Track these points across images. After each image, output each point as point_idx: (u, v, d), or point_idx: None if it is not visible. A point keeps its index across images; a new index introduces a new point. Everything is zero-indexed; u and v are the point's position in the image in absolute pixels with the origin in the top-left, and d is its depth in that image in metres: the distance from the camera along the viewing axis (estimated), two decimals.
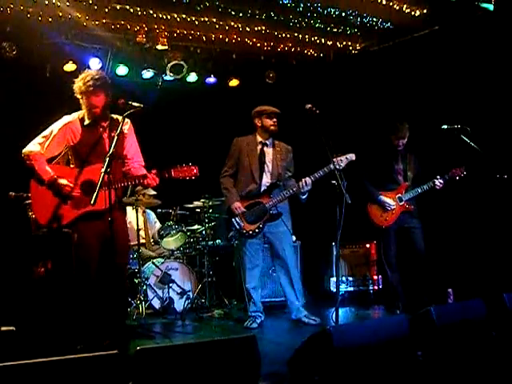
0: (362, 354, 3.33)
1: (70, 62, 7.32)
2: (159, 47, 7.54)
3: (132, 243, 6.83)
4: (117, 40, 7.42)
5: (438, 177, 6.41)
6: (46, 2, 6.44)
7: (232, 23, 7.41)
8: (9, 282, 5.98)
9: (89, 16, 6.83)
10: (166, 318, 6.67)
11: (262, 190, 6.11)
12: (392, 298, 6.63)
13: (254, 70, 8.51)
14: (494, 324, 4.04)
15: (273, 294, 7.13)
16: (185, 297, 6.87)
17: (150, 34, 7.41)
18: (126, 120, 4.96)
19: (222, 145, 7.90)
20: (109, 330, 4.71)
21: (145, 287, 6.67)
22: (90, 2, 6.59)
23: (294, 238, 7.47)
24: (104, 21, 6.99)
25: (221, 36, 7.65)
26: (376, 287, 7.68)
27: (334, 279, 7.60)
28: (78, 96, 4.83)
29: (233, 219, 6.06)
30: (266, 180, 6.15)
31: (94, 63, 7.41)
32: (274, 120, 6.14)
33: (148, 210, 7.71)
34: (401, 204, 6.53)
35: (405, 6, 7.15)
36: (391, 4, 7.08)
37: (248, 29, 7.56)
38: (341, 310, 6.59)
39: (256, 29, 7.60)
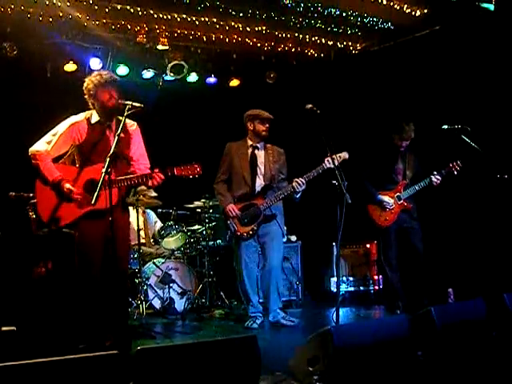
0: (362, 353, 3.33)
1: (71, 62, 7.33)
2: (160, 47, 7.54)
3: (132, 243, 6.85)
4: (117, 40, 7.42)
5: (435, 173, 6.42)
6: (47, 2, 6.44)
7: (232, 23, 7.41)
8: (9, 282, 5.99)
9: (89, 16, 6.83)
10: (167, 317, 6.67)
11: (256, 192, 6.13)
12: (392, 298, 6.63)
13: (254, 70, 8.50)
14: (494, 324, 4.04)
15: None
16: (185, 297, 6.87)
17: (151, 34, 7.40)
18: (133, 122, 5.01)
19: (222, 145, 7.90)
20: (110, 330, 4.71)
21: (145, 287, 6.68)
22: (91, 2, 6.58)
23: (294, 237, 7.51)
24: (104, 21, 7.00)
25: (221, 36, 7.65)
26: (376, 287, 7.68)
27: (334, 279, 7.60)
28: (91, 92, 4.82)
29: (228, 222, 6.09)
30: (260, 182, 6.16)
31: (95, 63, 7.41)
32: (267, 126, 6.17)
33: (148, 210, 7.71)
34: (399, 203, 6.54)
35: (405, 5, 7.14)
36: (392, 4, 7.07)
37: (248, 29, 7.56)
38: (341, 310, 6.59)
39: (256, 29, 7.60)
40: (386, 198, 6.54)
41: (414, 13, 7.25)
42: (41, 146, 4.79)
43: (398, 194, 6.55)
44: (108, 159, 4.28)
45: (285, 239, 6.85)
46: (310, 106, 5.29)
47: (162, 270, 6.81)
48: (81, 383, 2.55)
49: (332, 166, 5.56)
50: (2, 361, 2.42)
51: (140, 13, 6.94)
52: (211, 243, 7.40)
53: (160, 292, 6.80)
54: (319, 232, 7.82)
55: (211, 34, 7.61)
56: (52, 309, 5.74)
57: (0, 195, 6.19)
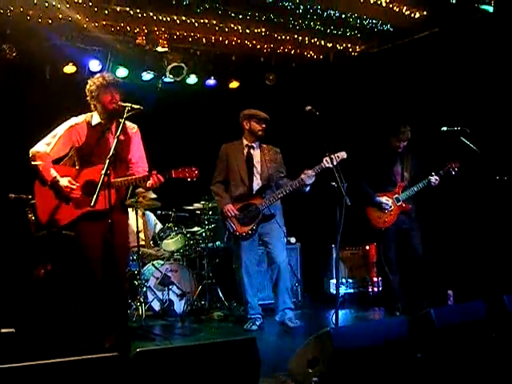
0: (361, 355, 3.33)
1: (70, 63, 7.33)
2: (159, 49, 7.54)
3: (131, 245, 6.84)
4: (117, 42, 7.42)
5: (433, 173, 6.42)
6: (46, 4, 6.44)
7: (232, 25, 7.41)
8: (9, 284, 5.98)
9: (89, 18, 6.83)
10: (166, 319, 6.67)
11: (254, 191, 6.12)
12: (392, 300, 6.62)
13: (253, 72, 8.50)
14: (493, 326, 4.03)
15: (272, 296, 7.11)
16: (184, 299, 6.87)
17: (150, 36, 7.40)
18: (133, 125, 5.03)
19: (221, 147, 7.91)
20: (110, 332, 4.71)
21: (144, 289, 6.67)
22: (90, 3, 6.58)
23: (293, 239, 7.51)
24: (104, 23, 7.00)
25: (221, 38, 7.65)
26: (376, 289, 7.69)
27: (333, 281, 7.61)
28: (93, 94, 4.83)
29: (226, 222, 6.08)
30: (257, 182, 6.16)
31: (94, 65, 7.42)
32: (263, 126, 6.17)
33: (147, 212, 7.71)
34: (398, 204, 6.54)
35: (404, 8, 7.14)
36: (391, 6, 7.07)
37: (248, 31, 7.56)
38: (341, 312, 6.59)
39: (256, 31, 7.60)
40: (384, 200, 6.54)
41: (413, 15, 7.25)
42: (41, 147, 4.80)
43: (396, 195, 6.56)
44: (107, 161, 4.28)
45: (285, 240, 6.83)
46: (309, 107, 5.29)
47: (161, 272, 6.80)
48: None
49: (330, 165, 5.56)
50: (1, 363, 2.41)
51: (139, 15, 6.94)
52: (210, 245, 7.39)
53: (159, 294, 6.79)
54: (318, 234, 7.82)
55: (210, 35, 7.61)
56: (51, 311, 5.73)
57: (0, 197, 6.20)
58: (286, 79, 8.53)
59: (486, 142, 5.95)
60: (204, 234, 7.30)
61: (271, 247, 6.14)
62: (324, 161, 5.70)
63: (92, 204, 4.17)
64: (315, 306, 7.16)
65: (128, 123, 4.96)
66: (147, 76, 7.90)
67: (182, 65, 7.87)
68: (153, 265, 6.91)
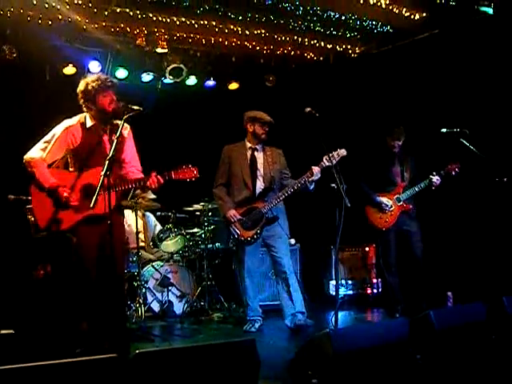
0: (361, 357, 3.32)
1: (70, 64, 7.33)
2: (159, 50, 7.54)
3: (131, 246, 6.84)
4: (116, 43, 7.43)
5: (434, 173, 6.41)
6: (46, 5, 6.45)
7: (231, 26, 7.42)
8: (8, 285, 5.98)
9: (89, 19, 6.84)
10: (166, 321, 6.66)
11: (257, 195, 6.05)
12: (391, 302, 6.62)
13: (253, 74, 8.51)
14: (493, 327, 4.03)
15: (272, 298, 7.12)
16: (184, 300, 6.87)
17: (150, 37, 7.41)
18: (126, 125, 4.96)
19: (221, 148, 7.89)
20: (108, 333, 4.70)
21: (144, 290, 6.67)
22: (90, 5, 6.59)
23: (293, 241, 7.49)
24: (104, 24, 7.00)
25: (220, 39, 7.66)
26: (375, 290, 7.69)
27: (333, 282, 7.61)
28: (89, 96, 4.80)
29: (230, 227, 6.00)
30: (260, 185, 6.08)
31: (94, 66, 7.41)
32: (266, 129, 6.09)
33: (147, 213, 7.70)
34: (399, 204, 6.54)
35: (404, 9, 7.16)
36: (391, 7, 7.08)
37: (247, 32, 7.57)
38: (340, 314, 6.58)
39: (255, 32, 7.61)
40: (384, 200, 6.54)
41: (412, 16, 7.26)
42: (35, 153, 4.75)
43: (397, 195, 6.56)
44: (107, 162, 4.26)
45: (293, 241, 6.82)
46: (308, 109, 5.29)
47: (160, 273, 6.80)
48: None
49: (330, 164, 5.56)
50: (0, 364, 2.41)
51: (139, 16, 6.95)
52: (210, 246, 7.39)
53: (159, 295, 6.79)
54: (318, 235, 7.83)
55: (210, 37, 7.62)
56: (50, 312, 5.73)
57: None
58: (285, 80, 8.54)
59: (485, 144, 5.95)
60: (203, 236, 7.30)
61: (275, 250, 6.06)
62: (324, 159, 5.63)
63: (91, 205, 4.14)
64: (315, 307, 7.14)
65: (120, 123, 4.91)
66: (147, 77, 7.90)
67: (182, 66, 7.87)
68: (152, 266, 6.91)
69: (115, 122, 4.84)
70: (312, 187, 5.87)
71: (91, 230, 4.65)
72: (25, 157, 4.76)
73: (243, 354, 3.09)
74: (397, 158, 6.65)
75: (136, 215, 6.81)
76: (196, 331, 6.25)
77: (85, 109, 4.87)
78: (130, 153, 5.02)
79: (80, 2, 6.52)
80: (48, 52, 7.14)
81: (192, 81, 8.23)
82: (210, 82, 8.41)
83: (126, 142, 4.97)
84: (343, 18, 7.35)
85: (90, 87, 4.79)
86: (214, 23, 7.31)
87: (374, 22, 7.53)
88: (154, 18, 7.06)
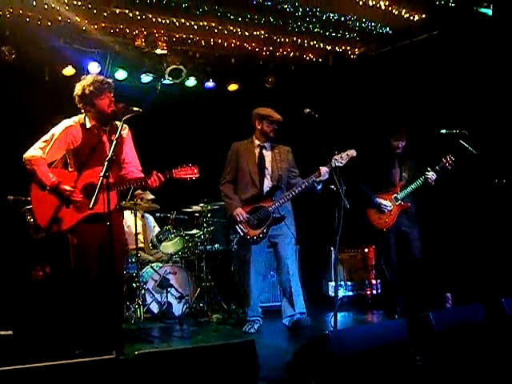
0: (360, 358, 3.32)
1: (69, 66, 7.33)
2: (158, 51, 7.55)
3: (130, 247, 6.84)
4: (116, 44, 7.43)
5: (429, 169, 6.41)
6: (46, 6, 6.45)
7: (231, 28, 7.42)
8: (7, 286, 5.98)
9: (88, 20, 6.84)
10: (165, 322, 6.66)
11: (264, 193, 5.99)
12: (390, 303, 6.62)
13: (253, 75, 8.51)
14: (492, 329, 4.03)
15: (271, 299, 7.13)
16: (183, 301, 6.86)
17: (149, 38, 7.41)
18: (125, 125, 4.97)
19: (221, 149, 7.88)
20: (105, 334, 4.69)
21: (143, 291, 6.67)
22: (89, 6, 6.59)
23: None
24: (103, 25, 7.00)
25: (220, 40, 7.66)
26: (374, 292, 7.68)
27: (332, 284, 7.60)
28: (87, 98, 4.80)
29: (236, 226, 5.94)
30: (268, 183, 6.02)
31: (93, 67, 7.41)
32: (275, 127, 6.02)
33: (146, 214, 7.71)
34: (397, 203, 6.54)
35: (404, 10, 7.16)
36: (390, 9, 7.08)
37: (247, 33, 7.57)
38: (339, 315, 6.56)
39: (255, 33, 7.61)
40: (383, 201, 6.54)
41: (412, 18, 7.27)
42: (35, 151, 4.75)
43: (395, 195, 6.56)
44: (106, 163, 4.27)
45: (294, 242, 6.78)
46: (308, 110, 5.29)
47: (159, 275, 6.80)
48: None
49: (340, 164, 5.55)
50: None
51: (138, 17, 6.95)
52: (209, 247, 7.39)
53: (158, 296, 6.79)
54: (317, 236, 7.82)
55: (210, 38, 7.62)
56: (49, 313, 5.73)
57: None
58: (285, 82, 8.54)
59: (485, 145, 5.95)
60: (203, 237, 7.29)
61: (280, 250, 6.03)
62: (333, 159, 5.58)
63: (90, 206, 4.15)
64: (314, 308, 7.14)
65: (119, 124, 4.94)
66: (146, 78, 7.90)
67: (181, 67, 7.88)
68: (151, 267, 6.91)
69: (115, 122, 4.85)
70: (319, 187, 5.83)
71: (93, 229, 4.65)
72: (24, 155, 4.76)
73: (242, 356, 3.09)
74: (397, 159, 6.66)
75: (135, 216, 6.81)
76: (195, 332, 6.25)
77: (83, 110, 4.88)
78: (130, 153, 5.03)
79: (79, 3, 6.53)
80: (47, 53, 7.14)
81: (191, 82, 8.24)
82: (210, 83, 8.41)
83: (125, 143, 4.98)
84: (342, 19, 7.35)
85: (87, 91, 4.78)
86: (213, 24, 7.31)
87: (373, 23, 7.53)
88: (154, 19, 7.06)
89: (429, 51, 7.37)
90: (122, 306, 5.96)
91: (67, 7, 6.52)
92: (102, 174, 4.23)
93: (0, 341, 4.64)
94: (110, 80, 4.95)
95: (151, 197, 7.05)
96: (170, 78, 7.94)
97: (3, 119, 6.98)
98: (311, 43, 8.02)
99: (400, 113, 7.49)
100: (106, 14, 6.79)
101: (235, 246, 7.54)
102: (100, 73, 7.44)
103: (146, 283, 6.75)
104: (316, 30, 7.63)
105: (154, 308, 6.78)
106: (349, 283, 7.69)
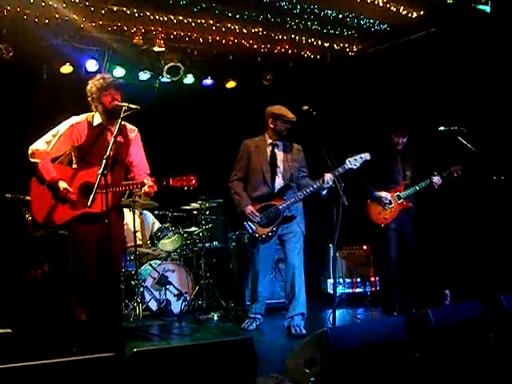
0: (359, 355, 3.32)
1: (67, 63, 7.32)
2: (156, 49, 7.53)
3: (129, 245, 6.84)
4: (114, 42, 7.41)
5: (436, 173, 6.42)
6: (43, 4, 6.43)
7: (229, 25, 7.41)
8: (5, 284, 5.98)
9: (86, 17, 6.82)
10: (163, 319, 6.66)
11: (275, 192, 5.92)
12: (389, 300, 6.63)
13: (250, 72, 8.51)
14: (491, 325, 4.04)
15: (271, 296, 7.10)
16: (182, 299, 6.86)
17: (147, 36, 7.40)
18: (133, 128, 5.04)
19: (219, 146, 7.91)
20: (105, 332, 4.70)
21: (142, 289, 6.66)
22: (87, 3, 6.57)
23: None
24: (101, 22, 6.99)
25: (218, 38, 7.64)
26: (373, 289, 7.69)
27: (331, 281, 7.61)
28: (94, 95, 4.84)
29: (245, 223, 5.89)
30: (279, 182, 5.95)
31: (91, 65, 7.41)
32: (289, 126, 5.92)
33: (145, 212, 7.70)
34: (399, 202, 6.55)
35: (402, 7, 7.15)
36: (388, 6, 7.07)
37: (245, 30, 7.56)
38: (338, 312, 6.57)
39: (253, 30, 7.59)
40: (383, 194, 6.56)
41: (410, 14, 7.26)
42: (40, 145, 4.79)
43: (397, 193, 6.57)
44: (104, 161, 4.28)
45: (302, 242, 6.75)
46: (306, 107, 5.28)
47: (158, 272, 6.80)
48: None
49: (353, 166, 5.54)
50: None
51: (136, 14, 6.93)
52: (208, 245, 7.39)
53: (156, 294, 6.79)
54: (316, 233, 7.81)
55: (207, 35, 7.60)
56: (48, 311, 5.73)
57: None
58: (282, 79, 8.53)
59: (483, 142, 5.95)
60: (201, 234, 7.29)
61: (288, 248, 5.96)
62: (347, 161, 5.57)
63: (89, 204, 4.17)
64: (312, 305, 7.15)
65: (128, 125, 5.00)
66: (144, 76, 7.89)
67: (179, 64, 7.87)
68: (150, 265, 6.90)
69: (123, 123, 4.87)
70: (324, 193, 5.76)
71: (90, 228, 4.67)
72: (30, 147, 4.80)
73: (241, 353, 3.09)
74: (399, 156, 6.67)
75: (133, 214, 6.80)
76: (194, 330, 6.26)
77: (93, 108, 4.91)
78: (138, 156, 5.04)
79: (77, 1, 6.51)
80: (45, 51, 7.13)
81: (189, 79, 8.23)
82: (208, 81, 8.41)
83: (133, 145, 5.00)
84: (340, 16, 7.35)
85: (94, 88, 4.83)
86: (211, 22, 7.30)
87: (371, 21, 7.52)
88: (151, 17, 7.05)
89: (427, 48, 7.37)
90: (120, 303, 5.97)
91: (65, 5, 6.50)
92: (99, 172, 4.25)
93: None
94: (118, 80, 5.00)
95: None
96: (168, 76, 7.93)
97: (1, 118, 6.97)
98: (309, 40, 8.01)
99: (398, 110, 7.49)
100: (103, 12, 6.77)
101: (234, 244, 7.56)
102: (98, 70, 7.44)
103: (144, 281, 6.74)
104: (314, 27, 7.62)
105: (153, 306, 6.77)
106: (347, 280, 7.69)
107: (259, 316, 6.10)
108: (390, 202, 6.54)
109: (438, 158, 6.59)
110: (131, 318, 6.37)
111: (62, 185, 4.67)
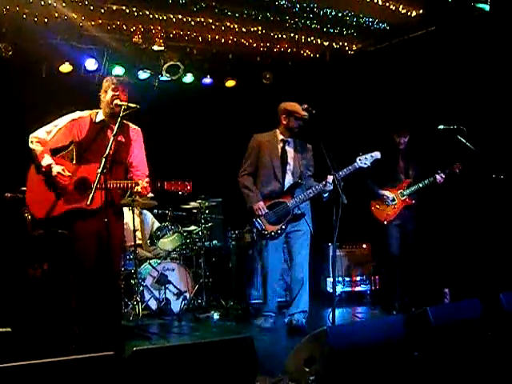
0: (358, 354, 3.33)
1: (66, 62, 7.32)
2: (155, 48, 7.54)
3: (128, 244, 6.84)
4: (113, 41, 7.42)
5: (439, 171, 6.44)
6: (42, 3, 6.43)
7: (228, 24, 7.41)
8: (5, 283, 5.97)
9: (85, 16, 6.83)
10: (163, 318, 6.66)
11: (285, 189, 5.88)
12: (389, 298, 6.64)
13: (250, 71, 8.51)
14: (490, 324, 4.04)
15: None
16: (181, 298, 6.86)
17: (146, 35, 7.40)
18: (137, 128, 5.04)
19: (218, 145, 7.91)
20: (104, 331, 4.70)
21: (141, 288, 6.66)
22: (86, 2, 6.57)
23: None
24: (100, 21, 6.99)
25: (217, 37, 7.65)
26: (373, 287, 7.69)
27: (330, 280, 7.61)
28: (103, 92, 4.85)
29: (254, 220, 5.84)
30: (289, 179, 5.90)
31: (90, 64, 7.41)
32: (301, 124, 5.83)
33: (144, 211, 7.69)
34: (402, 199, 6.58)
35: (401, 6, 7.16)
36: (387, 4, 7.08)
37: (244, 29, 7.56)
38: (337, 311, 6.57)
39: (252, 29, 7.60)
40: (386, 192, 6.59)
41: (409, 13, 7.27)
42: (41, 133, 4.79)
43: (400, 190, 6.59)
44: (103, 159, 4.28)
45: (309, 241, 6.73)
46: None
47: (157, 271, 6.79)
48: None
49: (364, 165, 5.53)
50: None
51: (135, 13, 6.94)
52: (207, 244, 7.39)
53: (156, 293, 6.78)
54: (315, 232, 7.81)
55: (207, 34, 7.61)
56: (48, 310, 5.73)
57: None
58: (282, 78, 8.53)
59: (482, 141, 5.96)
60: (201, 233, 7.29)
61: (295, 246, 5.93)
62: (357, 160, 5.56)
63: (88, 203, 4.17)
64: (312, 304, 7.16)
65: (131, 126, 5.00)
66: (143, 75, 7.90)
67: (179, 63, 7.88)
68: (149, 264, 6.90)
69: (126, 123, 4.87)
70: (326, 195, 5.72)
71: (87, 226, 4.66)
72: (31, 135, 4.80)
73: (241, 352, 3.09)
74: (401, 155, 6.69)
75: (133, 213, 6.80)
76: (194, 329, 6.25)
77: (100, 105, 4.90)
78: (138, 157, 5.02)
79: (76, 0, 6.51)
80: (44, 50, 7.14)
81: (189, 78, 8.24)
82: (207, 80, 8.41)
83: (134, 145, 4.99)
84: (340, 15, 7.35)
85: (106, 83, 4.85)
86: (210, 21, 7.30)
87: (370, 19, 7.53)
88: (151, 16, 7.05)
89: (426, 47, 7.37)
90: (120, 302, 5.97)
91: (64, 4, 6.50)
92: (99, 170, 4.24)
93: None
94: (122, 78, 4.98)
95: (150, 194, 7.03)
96: (168, 75, 7.93)
97: (0, 117, 6.97)
98: (308, 39, 8.01)
99: (397, 108, 7.49)
100: (102, 11, 6.77)
101: (233, 243, 7.55)
102: (97, 69, 7.45)
103: (144, 280, 6.74)
104: (313, 26, 7.63)
105: (153, 305, 6.77)
106: (347, 279, 7.69)
107: (272, 314, 6.03)
108: (393, 200, 6.57)
109: (438, 157, 6.59)
110: (131, 317, 6.36)
111: (57, 169, 4.65)
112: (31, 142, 4.77)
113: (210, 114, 8.51)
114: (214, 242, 7.55)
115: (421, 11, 7.27)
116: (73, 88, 7.21)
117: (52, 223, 4.81)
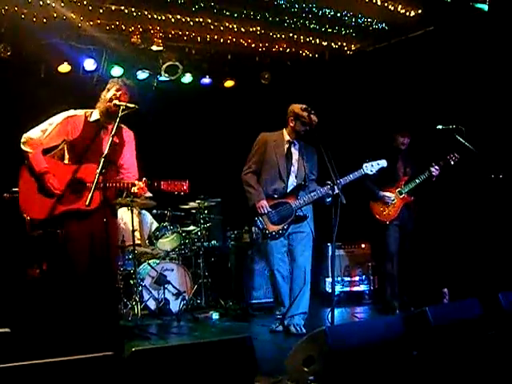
0: (357, 354, 3.33)
1: (65, 62, 7.32)
2: (154, 48, 7.53)
3: (127, 244, 6.84)
4: (112, 41, 7.41)
5: (433, 164, 6.44)
6: (41, 3, 6.42)
7: (227, 24, 7.41)
8: (4, 284, 5.97)
9: (83, 17, 6.82)
10: (162, 319, 6.66)
11: (289, 189, 5.86)
12: (388, 298, 6.64)
13: (249, 71, 8.51)
14: (489, 324, 4.04)
15: (268, 295, 7.11)
16: (180, 298, 6.86)
17: (145, 35, 7.40)
18: (130, 131, 5.02)
19: (217, 145, 7.90)
20: (102, 331, 4.69)
21: (140, 288, 6.66)
22: (85, 2, 6.57)
23: None
24: (99, 21, 6.98)
25: (216, 37, 7.64)
26: (372, 287, 7.69)
27: (329, 279, 7.60)
28: (105, 91, 4.84)
29: (256, 218, 5.80)
30: (292, 180, 5.88)
31: (89, 64, 7.41)
32: (308, 128, 5.76)
33: (143, 211, 7.69)
34: (401, 197, 6.60)
35: (399, 6, 7.16)
36: (386, 4, 7.08)
37: (243, 29, 7.56)
38: (336, 311, 6.55)
39: (251, 29, 7.60)
40: (387, 194, 6.61)
41: (408, 13, 7.27)
42: (35, 133, 4.76)
43: (399, 189, 6.60)
44: (102, 160, 4.26)
45: (311, 243, 6.71)
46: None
47: (156, 271, 6.80)
48: None
49: (370, 172, 5.53)
50: None
51: (134, 13, 6.93)
52: (206, 244, 7.40)
53: (155, 293, 6.79)
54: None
55: (206, 34, 7.60)
56: (47, 310, 5.72)
57: None
58: (281, 78, 8.53)
59: (481, 140, 5.96)
60: (200, 233, 7.30)
61: (297, 247, 5.89)
62: (364, 167, 5.57)
63: (87, 204, 4.15)
64: (311, 304, 7.15)
65: (125, 128, 4.97)
66: (142, 75, 7.89)
67: (177, 63, 7.87)
68: (148, 264, 6.90)
69: (121, 125, 4.86)
70: (328, 200, 5.68)
71: (81, 225, 4.65)
72: (24, 135, 4.78)
73: (240, 352, 3.09)
74: (401, 155, 6.69)
75: (132, 213, 6.80)
76: (193, 329, 6.26)
77: (97, 105, 4.88)
78: (130, 159, 5.00)
79: (75, 0, 6.51)
80: (43, 50, 7.13)
81: (187, 78, 8.24)
82: (206, 80, 8.41)
83: (126, 147, 4.96)
84: (338, 15, 7.35)
85: (111, 84, 4.84)
86: (209, 21, 7.30)
87: (369, 19, 7.53)
88: (149, 16, 7.05)
89: (425, 47, 7.37)
90: (118, 302, 5.96)
91: (63, 4, 6.50)
92: (97, 171, 4.23)
93: None
94: (128, 82, 4.94)
95: (149, 194, 7.03)
96: (166, 75, 7.93)
97: None
98: (307, 39, 8.01)
99: (396, 108, 7.49)
100: (101, 11, 6.76)
101: (232, 243, 7.56)
102: (96, 70, 7.44)
103: (143, 280, 6.74)
104: (312, 26, 7.62)
105: (152, 305, 6.77)
106: (346, 279, 7.69)
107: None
108: (393, 199, 6.59)
109: (436, 157, 6.59)
110: (130, 317, 6.36)
111: (50, 180, 4.65)
112: (23, 143, 4.74)
113: (208, 114, 8.51)
114: (212, 242, 7.56)
115: (419, 11, 7.27)
116: (71, 88, 7.21)
117: (48, 224, 4.81)
